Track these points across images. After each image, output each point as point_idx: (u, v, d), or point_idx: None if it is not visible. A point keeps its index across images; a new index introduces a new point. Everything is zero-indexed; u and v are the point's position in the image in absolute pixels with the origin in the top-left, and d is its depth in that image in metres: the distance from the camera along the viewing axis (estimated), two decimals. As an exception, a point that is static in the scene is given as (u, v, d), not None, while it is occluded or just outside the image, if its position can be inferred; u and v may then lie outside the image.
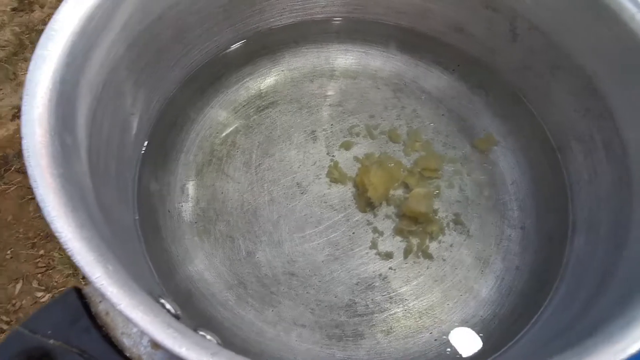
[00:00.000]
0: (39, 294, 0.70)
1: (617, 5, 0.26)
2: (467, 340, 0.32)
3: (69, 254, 0.18)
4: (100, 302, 0.22)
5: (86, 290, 0.22)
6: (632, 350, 0.18)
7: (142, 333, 0.17)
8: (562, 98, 0.35)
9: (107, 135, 0.30)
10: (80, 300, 0.20)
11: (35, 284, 0.70)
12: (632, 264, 0.24)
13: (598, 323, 0.20)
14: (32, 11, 0.89)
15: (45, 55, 0.23)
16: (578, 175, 0.34)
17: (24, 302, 0.69)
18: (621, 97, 0.28)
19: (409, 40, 0.43)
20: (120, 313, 0.16)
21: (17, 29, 0.86)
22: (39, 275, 0.71)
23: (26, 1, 0.89)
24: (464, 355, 0.32)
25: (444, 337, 0.32)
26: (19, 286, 0.70)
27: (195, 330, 0.20)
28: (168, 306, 0.20)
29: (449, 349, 0.32)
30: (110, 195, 0.28)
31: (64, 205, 0.19)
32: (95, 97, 0.27)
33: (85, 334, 0.21)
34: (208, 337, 0.21)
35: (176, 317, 0.21)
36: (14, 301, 0.69)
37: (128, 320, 0.16)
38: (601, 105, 0.30)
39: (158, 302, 0.21)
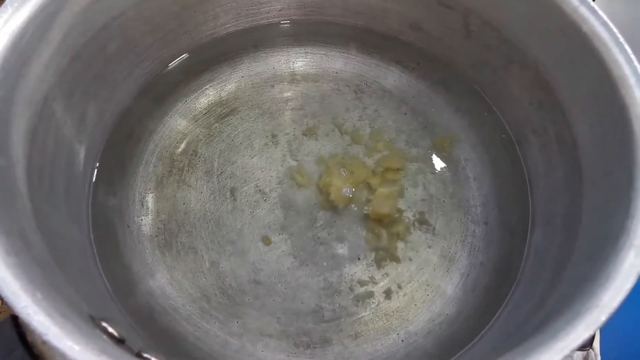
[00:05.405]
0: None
1: (560, -3, 0.27)
2: (432, 339, 0.32)
3: (-8, 283, 0.17)
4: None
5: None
6: (574, 346, 0.18)
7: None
8: (518, 92, 0.35)
9: (53, 153, 0.29)
10: (15, 329, 0.19)
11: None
12: (582, 255, 0.24)
13: (547, 319, 0.20)
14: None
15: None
16: (535, 168, 0.34)
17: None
18: (568, 89, 0.29)
19: (368, 40, 0.42)
20: (48, 343, 0.16)
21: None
22: None
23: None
24: (430, 353, 0.31)
25: (411, 337, 0.32)
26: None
27: (138, 353, 0.20)
28: (111, 330, 0.20)
29: (415, 349, 0.32)
30: (57, 215, 0.27)
31: (-11, 231, 0.18)
32: (34, 113, 0.26)
33: (19, 366, 0.19)
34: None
35: (120, 340, 0.20)
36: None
37: (55, 350, 0.16)
38: (552, 98, 0.30)
39: (99, 326, 0.20)
